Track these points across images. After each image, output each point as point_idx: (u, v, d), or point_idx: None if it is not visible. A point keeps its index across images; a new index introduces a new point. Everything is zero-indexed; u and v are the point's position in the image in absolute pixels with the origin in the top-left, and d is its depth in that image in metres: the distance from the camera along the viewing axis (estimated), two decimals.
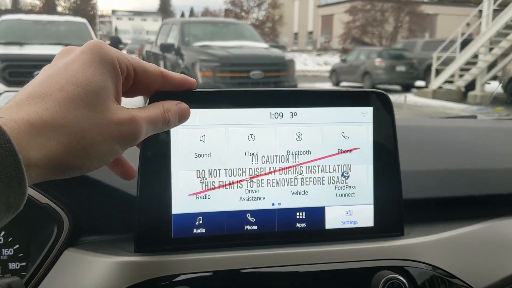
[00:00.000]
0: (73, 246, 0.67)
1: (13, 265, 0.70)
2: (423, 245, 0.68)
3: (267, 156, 0.66)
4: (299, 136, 0.67)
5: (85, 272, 0.62)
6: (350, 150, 0.68)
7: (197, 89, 0.63)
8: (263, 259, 0.64)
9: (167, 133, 0.63)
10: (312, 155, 0.67)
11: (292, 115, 0.66)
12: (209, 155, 0.64)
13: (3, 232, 0.69)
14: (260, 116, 0.66)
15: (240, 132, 0.65)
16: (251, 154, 0.65)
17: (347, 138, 0.68)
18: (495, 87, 12.09)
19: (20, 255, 0.70)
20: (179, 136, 0.64)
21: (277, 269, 0.64)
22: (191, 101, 0.64)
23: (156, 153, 0.63)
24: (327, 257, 0.65)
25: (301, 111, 0.67)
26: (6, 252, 0.70)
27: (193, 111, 0.64)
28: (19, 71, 6.17)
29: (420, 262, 0.67)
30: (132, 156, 0.67)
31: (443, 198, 0.77)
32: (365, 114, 0.69)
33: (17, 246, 0.70)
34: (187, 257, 0.63)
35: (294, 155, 0.66)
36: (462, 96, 12.21)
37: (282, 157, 0.66)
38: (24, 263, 0.70)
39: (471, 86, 12.22)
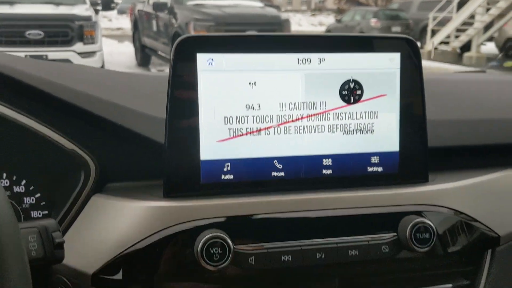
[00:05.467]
0: (100, 192, 0.67)
1: (35, 214, 0.70)
2: (447, 191, 0.69)
3: (295, 103, 0.65)
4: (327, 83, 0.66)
5: (114, 217, 0.63)
6: (377, 97, 0.68)
7: (223, 33, 0.62)
8: (289, 204, 0.65)
9: (195, 79, 0.62)
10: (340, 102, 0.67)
11: (320, 61, 0.65)
12: (236, 102, 0.64)
13: (24, 181, 0.69)
14: (288, 62, 0.65)
15: (268, 78, 0.64)
16: (278, 101, 0.65)
17: (374, 84, 0.67)
18: (490, 48, 12.02)
19: (42, 203, 0.70)
20: (206, 82, 0.63)
21: (303, 214, 0.65)
22: (217, 45, 0.63)
23: (184, 99, 0.62)
24: (353, 203, 0.66)
25: (328, 56, 0.66)
26: (28, 201, 0.70)
27: (220, 56, 0.63)
28: (10, 31, 6.01)
29: (445, 208, 0.68)
30: (159, 105, 0.67)
31: (466, 146, 0.77)
32: (392, 60, 0.68)
33: (38, 195, 0.70)
34: (215, 201, 0.63)
35: (321, 102, 0.66)
36: (457, 57, 12.13)
37: (310, 103, 0.66)
38: (46, 212, 0.70)
39: (466, 47, 12.12)
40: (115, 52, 10.48)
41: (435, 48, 12.46)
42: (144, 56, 9.21)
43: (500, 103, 0.87)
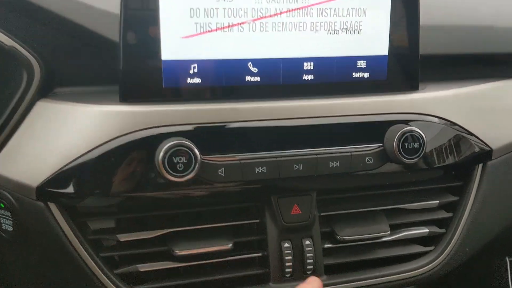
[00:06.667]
0: (47, 97, 0.58)
1: None
2: (439, 99, 0.63)
3: None
4: None
5: (63, 123, 0.54)
6: None
7: None
8: (265, 112, 0.57)
9: None
10: None
11: None
12: None
13: None
14: None
15: None
16: None
17: None
18: None
19: None
20: None
21: (280, 123, 0.58)
22: None
23: None
24: (336, 111, 0.59)
25: None
26: None
27: None
28: None
29: (436, 117, 0.62)
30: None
31: (460, 54, 0.70)
32: None
33: None
34: (180, 107, 0.55)
35: None
36: None
37: None
38: None
39: None
40: None
41: None
42: None
43: (497, 12, 0.79)
